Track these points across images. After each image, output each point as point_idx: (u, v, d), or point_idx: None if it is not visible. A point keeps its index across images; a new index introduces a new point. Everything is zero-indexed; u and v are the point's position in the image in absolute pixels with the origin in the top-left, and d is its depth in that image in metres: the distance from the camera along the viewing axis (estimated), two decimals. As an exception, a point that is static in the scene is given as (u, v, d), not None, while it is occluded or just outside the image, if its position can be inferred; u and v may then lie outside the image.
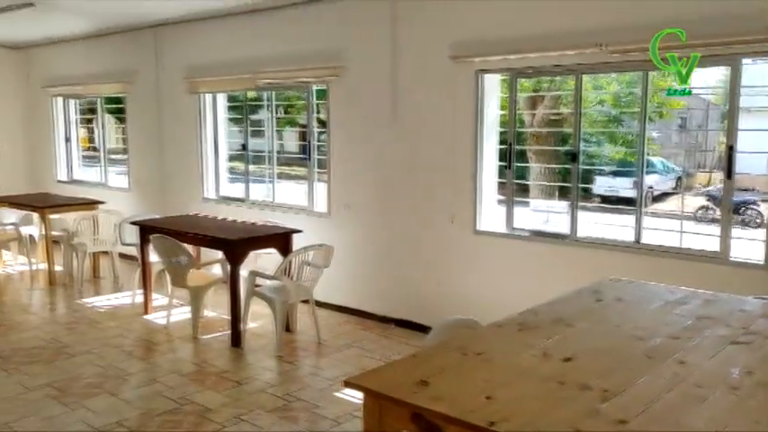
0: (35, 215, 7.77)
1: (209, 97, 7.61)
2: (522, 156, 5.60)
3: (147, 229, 6.05)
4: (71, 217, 7.55)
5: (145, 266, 6.19)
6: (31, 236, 7.90)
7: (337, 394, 4.40)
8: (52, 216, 7.55)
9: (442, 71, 5.42)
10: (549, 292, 3.46)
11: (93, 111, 9.64)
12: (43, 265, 7.68)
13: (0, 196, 8.61)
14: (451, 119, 5.44)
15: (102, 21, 8.04)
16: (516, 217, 5.35)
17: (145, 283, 6.23)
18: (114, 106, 9.17)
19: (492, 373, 2.29)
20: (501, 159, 5.39)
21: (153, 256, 6.06)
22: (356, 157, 6.17)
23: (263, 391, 4.48)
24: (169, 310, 5.94)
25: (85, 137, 10.13)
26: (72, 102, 9.78)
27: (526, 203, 5.81)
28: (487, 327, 2.86)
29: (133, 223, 6.39)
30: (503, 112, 5.46)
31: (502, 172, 5.40)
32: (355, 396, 4.14)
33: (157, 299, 6.39)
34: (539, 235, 5.21)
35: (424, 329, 5.52)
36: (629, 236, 4.79)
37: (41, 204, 7.64)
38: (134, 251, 6.68)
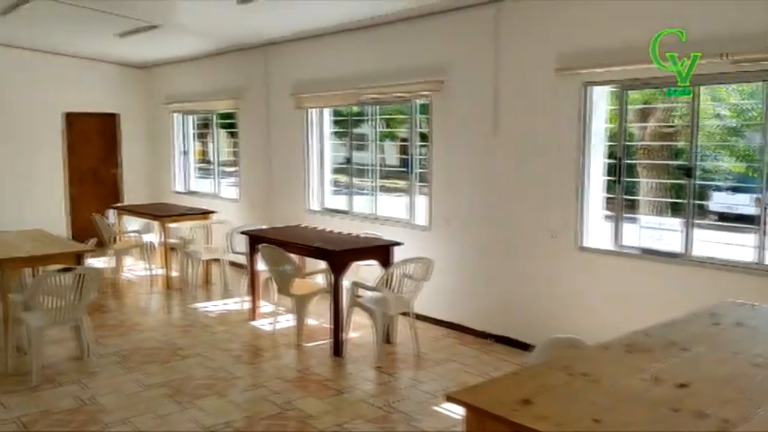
0: (155, 223, 8.30)
1: (314, 112, 7.88)
2: (631, 170, 5.39)
3: (255, 239, 6.32)
4: (187, 226, 8.00)
5: (253, 274, 6.47)
6: (150, 243, 8.45)
7: (436, 408, 4.40)
8: (170, 225, 8.04)
9: (546, 83, 5.34)
10: (659, 313, 3.30)
11: (207, 126, 10.21)
12: (161, 271, 8.19)
13: (125, 205, 9.31)
14: (556, 132, 5.33)
15: (218, 41, 8.53)
16: (624, 234, 5.15)
17: (252, 291, 6.50)
18: (226, 121, 9.68)
19: (599, 396, 2.22)
20: (608, 174, 5.22)
21: (260, 265, 6.32)
22: (457, 170, 6.17)
23: (364, 400, 4.55)
24: (275, 317, 6.17)
25: (200, 150, 10.74)
26: (189, 117, 10.42)
27: (635, 220, 5.58)
28: (594, 347, 2.77)
29: (242, 233, 6.70)
30: (611, 126, 5.29)
31: (609, 187, 5.23)
32: (455, 411, 4.13)
33: (264, 306, 6.65)
34: (649, 253, 4.98)
35: (523, 346, 5.42)
36: (748, 256, 4.49)
37: (160, 213, 8.15)
38: (243, 259, 7.00)
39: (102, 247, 7.94)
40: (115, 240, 8.51)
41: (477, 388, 2.41)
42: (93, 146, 10.71)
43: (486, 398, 2.19)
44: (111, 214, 8.92)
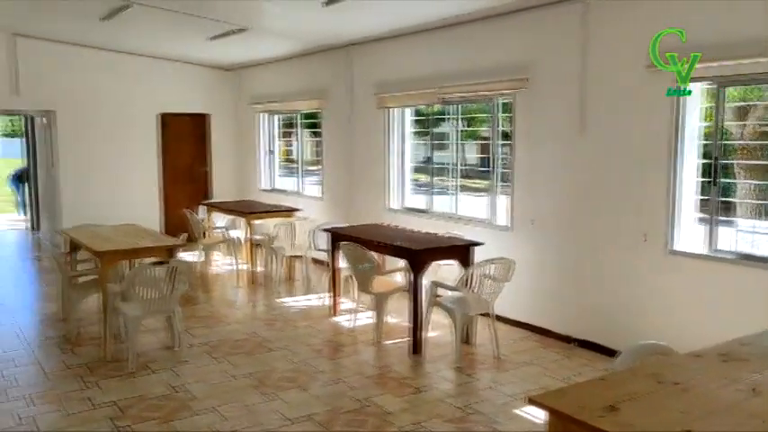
0: (241, 220, 8.60)
1: (396, 112, 7.93)
2: (727, 171, 5.13)
3: (337, 237, 6.44)
4: (271, 223, 8.25)
5: (334, 271, 6.59)
6: (237, 239, 8.75)
7: (516, 411, 4.35)
8: (255, 221, 8.31)
9: (636, 80, 5.15)
10: (757, 322, 3.13)
11: (291, 125, 10.48)
12: (246, 266, 8.48)
13: (213, 202, 9.69)
14: (646, 130, 5.14)
15: (303, 42, 8.73)
16: (720, 238, 4.90)
17: (333, 287, 6.63)
18: (310, 121, 9.90)
19: (690, 405, 2.13)
20: (703, 175, 4.98)
21: (341, 262, 6.43)
22: (541, 170, 6.05)
23: (442, 400, 4.55)
24: (355, 314, 6.26)
25: (285, 149, 11.03)
26: (274, 117, 10.72)
27: (730, 223, 5.30)
28: (685, 355, 2.67)
29: (324, 230, 6.83)
30: (706, 124, 5.04)
31: (703, 189, 4.99)
32: (535, 415, 4.07)
33: (344, 302, 6.76)
34: (747, 258, 4.72)
35: (608, 352, 5.27)
36: None
37: (247, 210, 8.43)
38: (325, 256, 7.14)
39: (192, 242, 8.31)
40: (204, 236, 8.88)
41: (560, 392, 2.37)
42: (185, 145, 11.21)
43: (570, 402, 2.15)
44: (201, 210, 9.31)
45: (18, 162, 14.61)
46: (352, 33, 7.92)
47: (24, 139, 13.07)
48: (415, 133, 8.14)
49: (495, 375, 5.11)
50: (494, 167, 6.62)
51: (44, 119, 10.67)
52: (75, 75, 9.99)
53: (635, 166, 5.24)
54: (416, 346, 5.49)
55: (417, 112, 7.97)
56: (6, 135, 29.99)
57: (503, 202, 6.58)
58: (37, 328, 6.29)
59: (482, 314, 5.63)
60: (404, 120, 7.95)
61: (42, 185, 11.56)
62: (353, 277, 6.19)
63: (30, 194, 12.66)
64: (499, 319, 5.95)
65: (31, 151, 12.27)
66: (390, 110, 7.93)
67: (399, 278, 6.31)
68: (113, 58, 10.24)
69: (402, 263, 5.97)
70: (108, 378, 4.88)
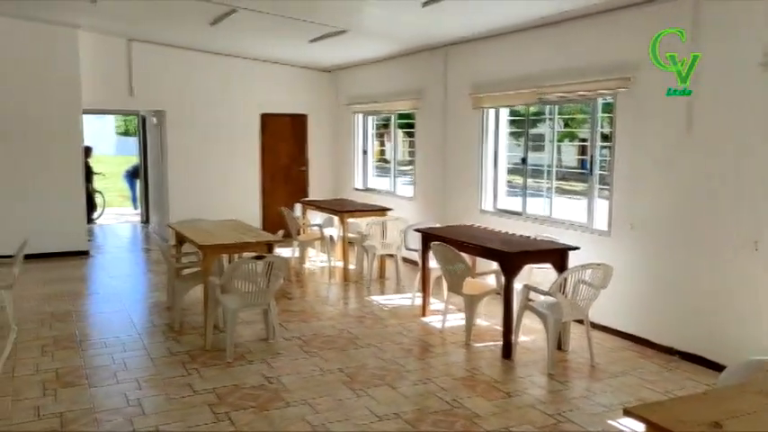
0: (335, 218, 8.78)
1: (491, 112, 7.84)
2: None
3: (428, 237, 6.44)
4: (364, 221, 8.36)
5: (425, 271, 6.60)
6: (331, 236, 8.94)
7: (611, 422, 4.19)
8: (349, 220, 8.46)
9: (750, 78, 4.83)
10: None
11: (386, 126, 10.58)
12: (340, 263, 8.65)
13: (309, 200, 9.95)
14: (761, 131, 4.81)
15: (400, 43, 8.80)
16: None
17: (424, 287, 6.64)
18: (405, 121, 9.96)
19: (805, 428, 1.98)
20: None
21: (432, 262, 6.43)
22: (643, 173, 5.80)
23: (533, 406, 4.46)
24: (444, 315, 6.24)
25: (379, 149, 11.17)
26: (370, 118, 10.87)
27: None
28: (800, 373, 2.48)
29: (416, 230, 6.86)
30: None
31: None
32: (631, 427, 3.91)
33: (434, 303, 6.76)
34: None
35: (713, 366, 4.99)
36: None
37: (341, 209, 8.60)
38: (416, 256, 7.16)
39: (288, 239, 8.56)
40: (300, 233, 9.13)
41: (659, 405, 2.27)
42: (283, 145, 11.57)
43: (670, 416, 2.05)
44: (298, 208, 9.57)
45: (132, 159, 15.61)
46: (450, 34, 7.90)
47: (138, 138, 13.96)
48: (511, 134, 8.01)
49: (590, 384, 4.95)
50: (592, 169, 6.41)
51: (155, 118, 11.34)
52: (184, 77, 10.55)
53: (747, 169, 4.92)
54: (507, 350, 5.41)
55: (513, 113, 7.84)
56: (122, 134, 32.07)
57: (601, 205, 6.35)
58: (145, 316, 6.69)
59: (576, 321, 5.47)
60: (499, 120, 7.85)
61: (153, 182, 12.30)
62: (444, 278, 6.17)
63: (142, 190, 13.49)
64: (595, 326, 5.77)
65: (144, 149, 13.09)
66: (486, 110, 7.85)
67: (491, 281, 6.23)
68: (219, 60, 10.73)
69: (494, 265, 5.89)
70: (208, 366, 5.13)
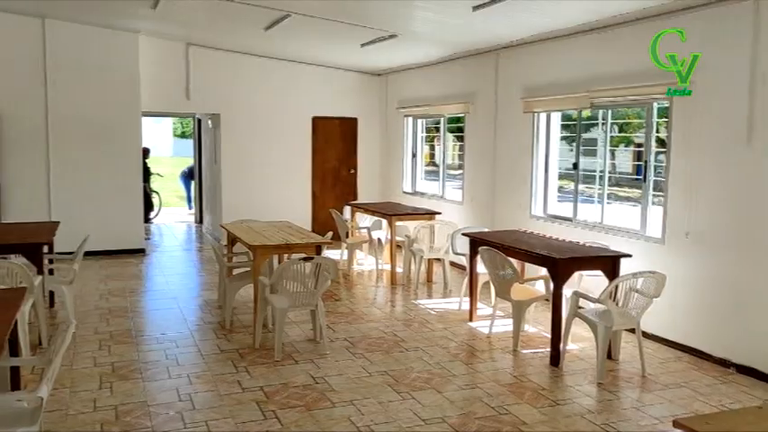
0: (384, 221, 8.82)
1: (543, 116, 7.75)
2: None
3: (476, 241, 6.41)
4: (412, 225, 8.37)
5: (472, 276, 6.56)
6: (379, 239, 8.99)
7: (662, 435, 4.09)
8: (397, 223, 8.48)
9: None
10: None
11: (436, 129, 10.58)
12: (387, 266, 8.68)
13: (358, 203, 10.02)
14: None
15: (451, 47, 8.79)
16: None
17: (471, 292, 6.61)
18: (454, 125, 9.94)
19: None
20: None
21: (480, 267, 6.39)
22: (700, 179, 5.63)
23: (581, 415, 4.39)
24: (492, 320, 6.19)
25: (428, 153, 11.16)
26: (419, 121, 10.88)
27: None
28: None
29: (464, 234, 6.83)
30: None
31: None
32: (683, 441, 3.80)
33: (482, 308, 6.72)
34: None
35: (773, 381, 4.80)
36: None
37: (389, 212, 8.63)
38: (464, 260, 7.14)
39: (337, 241, 8.65)
40: (348, 235, 9.20)
41: (711, 417, 2.21)
42: (333, 148, 11.69)
43: (722, 430, 1.99)
44: (347, 211, 9.66)
45: (188, 161, 16.03)
46: (500, 37, 7.85)
47: (193, 140, 14.33)
48: (563, 138, 7.90)
49: (640, 395, 4.83)
50: (646, 176, 6.26)
51: (210, 121, 11.63)
52: (238, 80, 10.79)
53: (812, 178, 4.72)
54: (556, 358, 5.33)
55: (565, 117, 7.72)
56: (179, 136, 32.96)
57: (655, 212, 6.20)
58: (197, 314, 6.86)
59: (627, 330, 5.35)
60: (550, 124, 7.75)
61: (207, 183, 12.61)
62: (492, 283, 6.13)
63: (196, 191, 13.84)
64: (646, 336, 5.64)
65: (199, 151, 13.42)
66: (537, 114, 7.76)
67: (540, 287, 6.15)
68: (272, 64, 10.93)
69: (543, 271, 5.82)
70: (256, 364, 5.22)
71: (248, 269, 6.43)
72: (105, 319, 6.45)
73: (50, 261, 6.33)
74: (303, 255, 5.66)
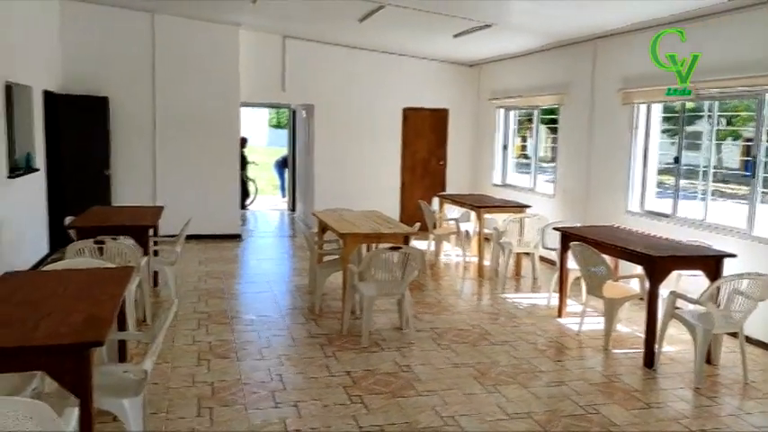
0: (472, 213, 8.75)
1: (642, 108, 7.43)
2: None
3: (568, 236, 6.25)
4: (501, 218, 8.27)
5: (563, 271, 6.41)
6: (467, 231, 8.93)
7: (764, 446, 3.86)
8: (486, 215, 8.40)
9: None
10: None
11: (528, 121, 10.37)
12: (474, 259, 8.62)
13: (447, 195, 9.99)
14: None
15: (546, 37, 8.58)
16: None
17: (561, 288, 6.46)
18: (548, 117, 9.71)
19: None
20: None
21: (571, 263, 6.24)
22: (817, 176, 5.24)
23: (676, 420, 4.21)
24: (582, 318, 6.04)
25: (519, 145, 10.96)
26: (511, 113, 10.70)
27: None
28: None
29: (555, 229, 6.68)
30: None
31: None
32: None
33: (571, 305, 6.56)
34: None
35: None
36: None
37: (478, 204, 8.56)
38: (554, 255, 6.98)
39: (424, 232, 8.67)
40: (436, 226, 9.20)
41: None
42: (424, 139, 11.70)
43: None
44: (435, 202, 9.66)
45: (282, 150, 16.51)
46: (599, 26, 7.58)
47: (288, 130, 14.74)
48: (663, 131, 7.55)
49: (741, 403, 4.58)
50: (755, 172, 5.88)
51: (304, 111, 11.92)
52: (332, 71, 10.99)
53: None
54: (650, 359, 5.13)
55: (667, 109, 7.37)
56: (274, 126, 33.97)
57: (764, 211, 5.82)
58: (288, 298, 7.08)
59: (729, 333, 5.08)
60: (650, 117, 7.42)
61: (300, 172, 12.95)
62: (583, 279, 5.97)
63: (290, 179, 14.25)
64: (750, 341, 5.33)
65: (293, 141, 13.80)
66: (636, 106, 7.45)
67: (634, 285, 5.93)
68: (365, 55, 11.06)
69: (638, 269, 5.60)
70: (344, 350, 5.34)
71: (338, 257, 6.57)
72: (203, 299, 6.79)
73: (155, 243, 6.71)
74: (391, 244, 5.72)
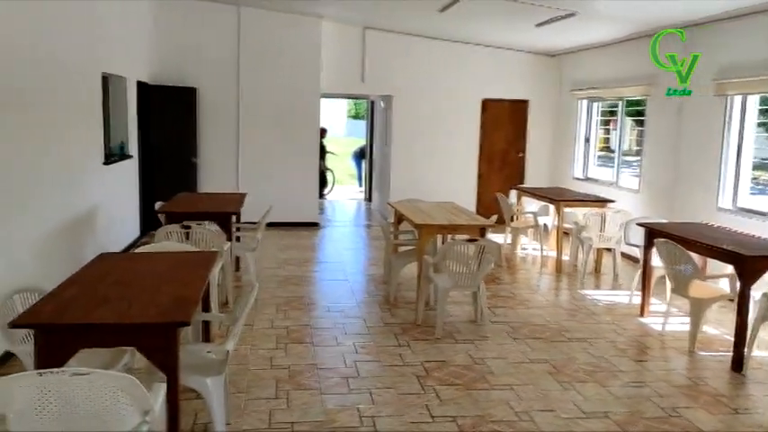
0: (551, 207, 8.57)
1: (737, 99, 7.04)
2: None
3: (652, 232, 6.02)
4: (581, 212, 8.05)
5: (646, 269, 6.19)
6: (545, 225, 8.75)
7: None
8: (565, 209, 8.20)
9: None
10: None
11: (612, 113, 10.02)
12: (552, 253, 8.45)
13: (525, 187, 9.83)
14: None
15: (633, 26, 8.25)
16: None
17: (644, 286, 6.24)
18: (633, 109, 9.35)
19: None
20: None
21: (655, 260, 6.01)
22: None
23: (765, 428, 4.00)
24: (666, 317, 5.82)
25: (602, 137, 10.62)
26: (594, 104, 10.37)
27: None
28: None
29: (639, 224, 6.44)
30: None
31: None
32: None
33: (655, 304, 6.32)
34: None
35: None
36: None
37: (557, 198, 8.37)
38: (637, 252, 6.75)
39: (501, 224, 8.56)
40: (513, 219, 9.07)
41: None
42: (502, 130, 11.53)
43: None
44: (513, 194, 9.51)
45: (360, 141, 16.69)
46: (690, 13, 7.21)
47: (366, 121, 14.87)
48: (760, 125, 7.13)
49: (841, 415, 4.29)
50: None
51: (382, 102, 11.98)
52: (411, 63, 10.99)
53: None
54: (738, 363, 4.89)
55: (764, 101, 6.95)
56: (352, 117, 34.34)
57: None
58: (364, 287, 7.17)
59: (829, 340, 4.77)
60: (746, 109, 7.01)
61: (377, 162, 13.05)
62: (668, 278, 5.74)
63: (366, 170, 14.39)
64: None
65: (371, 132, 13.91)
66: (731, 97, 7.06)
67: (723, 285, 5.65)
68: (444, 46, 10.99)
69: (728, 269, 5.33)
70: (417, 340, 5.36)
71: (413, 247, 6.59)
72: (282, 285, 6.97)
73: (237, 229, 6.94)
74: (467, 236, 5.68)
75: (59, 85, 5.89)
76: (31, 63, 5.16)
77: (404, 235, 7.15)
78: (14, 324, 2.82)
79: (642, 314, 6.21)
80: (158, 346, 2.86)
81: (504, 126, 11.53)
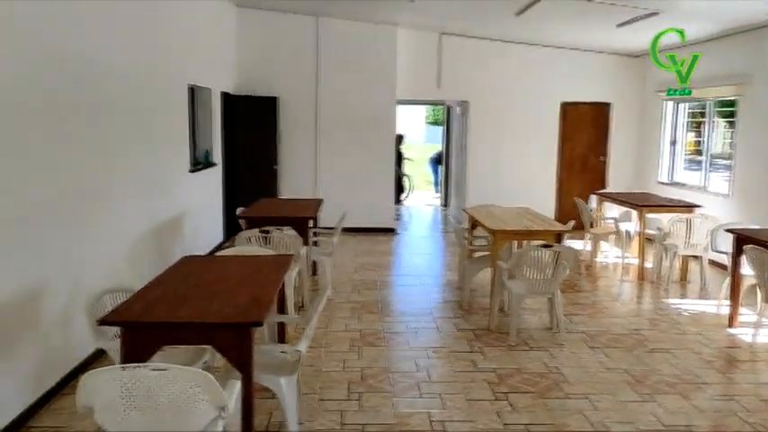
0: (633, 212, 8.27)
1: (839, 97, 6.58)
2: None
3: (742, 239, 5.72)
4: (666, 217, 7.73)
5: (736, 277, 5.88)
6: (627, 231, 8.46)
7: None
8: (649, 215, 7.91)
9: None
10: None
11: (701, 114, 9.58)
12: (635, 260, 8.15)
13: (606, 192, 9.54)
14: None
15: (720, 24, 7.87)
16: None
17: (733, 295, 5.93)
18: (725, 110, 8.90)
19: None
20: None
21: (745, 268, 5.70)
22: None
23: None
24: (757, 329, 5.51)
25: (690, 140, 10.16)
26: (681, 105, 9.94)
27: None
28: None
29: (728, 231, 6.13)
30: None
31: None
32: None
33: (745, 314, 6.00)
34: None
35: None
36: None
37: (640, 203, 8.07)
38: (725, 259, 6.42)
39: (580, 230, 8.35)
40: (593, 225, 8.82)
41: None
42: (583, 134, 11.25)
43: None
44: (593, 200, 9.25)
45: (438, 147, 16.69)
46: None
47: (443, 127, 14.86)
48: None
49: None
50: None
51: (459, 108, 11.94)
52: (487, 67, 10.91)
53: None
54: (837, 380, 4.57)
55: None
56: (431, 123, 34.39)
57: None
58: (438, 292, 7.17)
59: None
60: None
61: (454, 168, 13.01)
62: (759, 287, 5.43)
63: (443, 175, 14.38)
64: None
65: (447, 137, 13.90)
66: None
67: (822, 296, 5.30)
68: (521, 50, 10.85)
69: (827, 278, 5.00)
70: (491, 346, 5.32)
71: (487, 253, 6.54)
72: (357, 289, 7.07)
73: (315, 234, 7.11)
74: (543, 242, 5.59)
75: (152, 98, 6.25)
76: (125, 77, 5.49)
77: (478, 240, 7.10)
78: (102, 321, 3.01)
79: (731, 324, 5.90)
80: (233, 344, 2.98)
81: (584, 129, 11.25)
